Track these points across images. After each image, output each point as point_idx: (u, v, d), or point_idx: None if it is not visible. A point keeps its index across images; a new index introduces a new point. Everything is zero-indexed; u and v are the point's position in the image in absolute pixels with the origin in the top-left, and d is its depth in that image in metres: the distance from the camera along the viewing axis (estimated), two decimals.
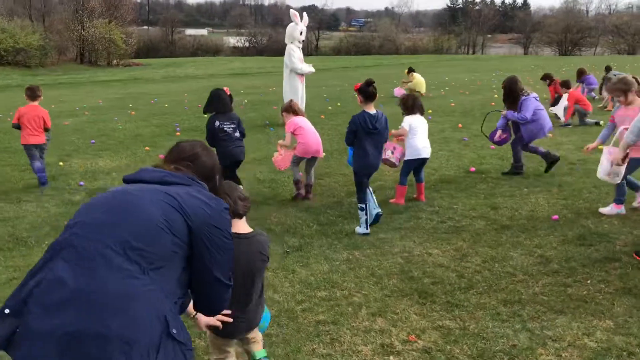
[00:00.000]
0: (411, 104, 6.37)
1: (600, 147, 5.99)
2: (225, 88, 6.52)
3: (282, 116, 6.85)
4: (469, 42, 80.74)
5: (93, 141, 10.51)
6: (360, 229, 5.52)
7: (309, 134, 6.52)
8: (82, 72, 37.68)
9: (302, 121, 6.58)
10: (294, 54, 11.90)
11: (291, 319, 3.87)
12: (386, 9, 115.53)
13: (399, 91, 17.82)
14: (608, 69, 15.54)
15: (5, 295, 4.38)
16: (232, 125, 6.18)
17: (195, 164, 2.22)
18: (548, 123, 7.27)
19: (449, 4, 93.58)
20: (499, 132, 7.36)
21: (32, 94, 7.34)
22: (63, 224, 5.61)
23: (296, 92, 11.99)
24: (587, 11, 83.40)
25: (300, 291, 4.30)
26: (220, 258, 2.00)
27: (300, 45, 11.88)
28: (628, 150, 5.11)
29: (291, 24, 11.84)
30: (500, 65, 37.97)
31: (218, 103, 6.21)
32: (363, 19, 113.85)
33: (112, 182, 7.54)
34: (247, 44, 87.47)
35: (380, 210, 5.71)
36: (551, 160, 7.31)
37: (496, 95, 16.37)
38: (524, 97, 7.16)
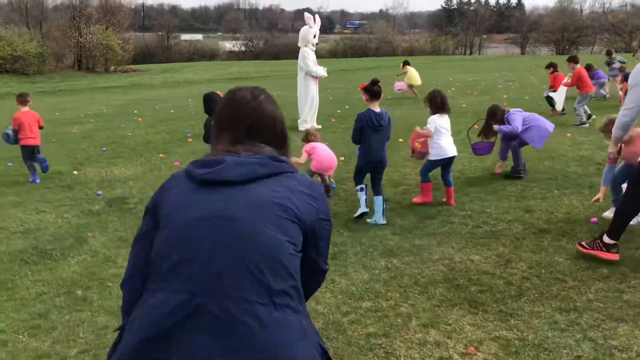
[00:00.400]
0: (440, 103, 6.22)
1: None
2: (218, 92, 6.88)
3: (302, 145, 7.01)
4: (465, 42, 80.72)
5: (104, 149, 10.35)
6: (361, 209, 5.95)
7: (322, 152, 6.78)
8: (80, 79, 37.46)
9: (318, 145, 6.84)
10: (308, 56, 11.79)
11: (339, 332, 3.72)
12: (380, 11, 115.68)
13: (400, 85, 17.83)
14: (609, 52, 15.39)
15: (37, 311, 4.25)
16: None
17: (273, 131, 1.82)
18: (544, 122, 7.11)
19: (444, 5, 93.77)
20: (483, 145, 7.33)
21: (24, 100, 8.05)
22: (86, 235, 5.46)
23: (310, 94, 11.87)
24: (582, 10, 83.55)
25: (343, 302, 4.15)
26: (325, 248, 1.80)
27: (314, 48, 11.74)
28: (618, 148, 5.06)
29: (305, 27, 11.71)
30: (499, 65, 37.89)
31: (212, 104, 6.42)
32: (358, 21, 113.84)
33: (130, 191, 7.38)
34: (243, 48, 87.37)
35: (367, 210, 5.97)
36: (516, 175, 7.22)
37: (505, 96, 16.26)
38: (507, 114, 7.08)
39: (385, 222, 5.80)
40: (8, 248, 5.50)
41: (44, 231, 5.97)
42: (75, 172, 8.55)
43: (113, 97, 22.99)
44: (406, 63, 18.13)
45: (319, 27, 11.76)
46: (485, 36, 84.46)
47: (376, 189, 5.97)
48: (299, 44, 11.93)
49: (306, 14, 11.58)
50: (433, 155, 6.22)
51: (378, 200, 5.88)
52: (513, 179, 7.20)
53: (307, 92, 11.87)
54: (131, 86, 29.68)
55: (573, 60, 11.70)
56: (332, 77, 31.46)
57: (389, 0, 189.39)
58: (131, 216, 6.38)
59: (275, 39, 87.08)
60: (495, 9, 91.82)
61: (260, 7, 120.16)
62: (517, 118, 7.03)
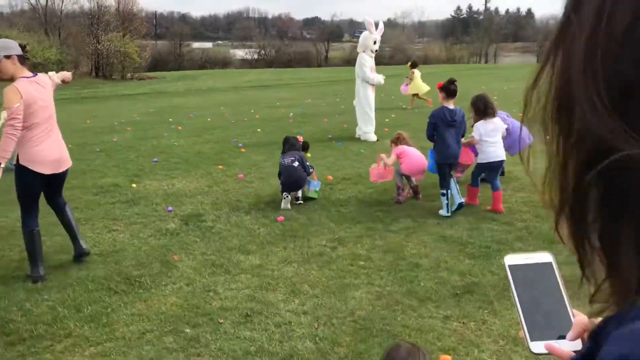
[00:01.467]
0: (483, 108, 6.27)
1: None
2: (298, 136, 7.46)
3: (391, 146, 7.14)
4: (480, 51, 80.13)
5: (155, 159, 9.76)
6: (443, 212, 6.12)
7: (413, 156, 6.75)
8: (100, 86, 37.05)
9: (408, 148, 6.83)
10: (366, 63, 11.25)
11: None
12: (389, 19, 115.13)
13: (405, 88, 17.10)
14: None
15: (147, 356, 3.63)
16: (291, 158, 6.76)
17: None
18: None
19: (453, 14, 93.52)
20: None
21: None
22: (171, 259, 4.84)
23: (368, 102, 11.30)
24: None
25: (513, 350, 3.51)
26: None
27: (373, 55, 11.16)
28: None
29: (365, 32, 11.14)
30: (525, 73, 37.22)
31: (284, 144, 7.20)
32: (366, 30, 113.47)
33: (203, 207, 6.77)
34: (256, 56, 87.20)
35: (463, 200, 6.21)
36: None
37: None
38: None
39: (462, 200, 6.19)
40: (89, 273, 4.89)
41: (122, 254, 5.37)
42: (134, 185, 7.96)
43: (140, 104, 22.47)
44: (414, 65, 17.37)
45: (380, 34, 11.16)
46: (500, 45, 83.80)
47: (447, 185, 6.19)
48: (358, 50, 11.41)
49: (367, 19, 10.99)
50: (480, 159, 6.35)
51: (452, 183, 6.18)
52: None
53: (365, 99, 11.30)
54: (155, 93, 29.17)
55: None
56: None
57: (398, 9, 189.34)
58: (213, 236, 5.78)
59: (287, 47, 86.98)
60: (513, 17, 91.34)
61: (270, 16, 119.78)
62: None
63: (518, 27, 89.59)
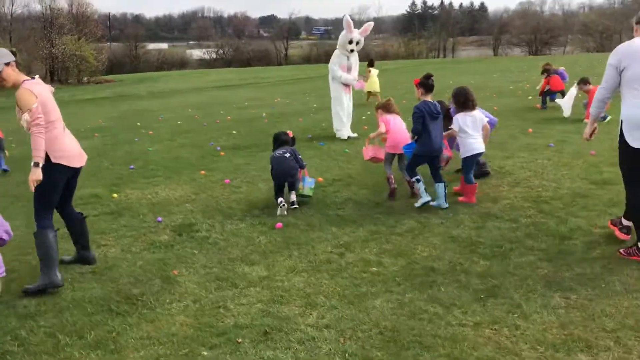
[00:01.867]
0: (463, 100, 6.36)
1: None
2: (288, 132, 7.24)
3: (377, 112, 7.23)
4: (439, 46, 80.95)
5: (132, 167, 9.36)
6: (421, 200, 6.20)
7: (399, 129, 6.83)
8: (57, 91, 35.83)
9: (394, 117, 6.92)
10: (334, 59, 11.02)
11: None
12: (345, 16, 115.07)
13: (360, 84, 17.05)
14: None
15: None
16: (282, 150, 6.69)
17: None
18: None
19: (408, 10, 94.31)
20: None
21: None
22: (171, 274, 4.55)
23: (340, 103, 11.05)
24: (542, 12, 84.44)
25: (554, 357, 3.35)
26: None
27: (347, 53, 10.90)
28: (595, 125, 5.11)
29: (343, 32, 10.92)
30: (487, 67, 37.71)
31: (274, 142, 7.03)
32: (323, 27, 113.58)
33: (195, 216, 6.46)
34: (214, 56, 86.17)
35: (447, 205, 6.22)
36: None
37: (530, 97, 15.72)
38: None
39: (447, 205, 6.20)
40: (85, 294, 4.56)
41: (117, 270, 5.04)
42: (115, 195, 7.59)
43: (103, 109, 21.82)
44: (371, 64, 17.46)
45: (365, 34, 10.87)
46: (454, 39, 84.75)
47: (438, 177, 6.26)
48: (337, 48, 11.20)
49: (346, 19, 10.75)
50: (464, 152, 6.35)
51: (441, 187, 6.21)
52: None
53: (336, 100, 11.11)
54: (116, 97, 28.43)
55: (585, 81, 11.47)
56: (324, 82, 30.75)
57: (354, 6, 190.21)
58: (211, 247, 5.49)
59: (245, 45, 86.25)
60: (466, 12, 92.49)
61: (226, 15, 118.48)
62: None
63: (474, 20, 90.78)
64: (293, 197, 6.56)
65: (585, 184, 6.85)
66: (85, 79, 46.80)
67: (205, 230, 5.96)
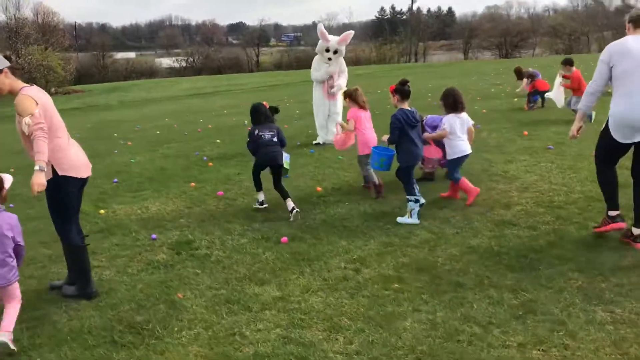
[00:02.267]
0: (452, 102, 6.29)
1: None
2: (264, 102, 7.08)
3: (345, 101, 7.31)
4: (410, 50, 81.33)
5: (115, 180, 8.89)
6: (408, 219, 5.83)
7: (369, 128, 6.96)
8: None
9: (364, 114, 6.95)
10: (314, 64, 10.97)
11: None
12: (313, 23, 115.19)
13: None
14: None
15: None
16: (271, 133, 6.56)
17: None
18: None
19: (377, 15, 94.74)
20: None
21: None
22: (175, 298, 4.17)
23: (319, 107, 10.86)
24: (509, 15, 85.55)
25: None
26: None
27: (326, 60, 10.62)
28: (582, 123, 5.19)
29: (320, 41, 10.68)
30: (461, 70, 37.86)
31: (257, 115, 6.70)
32: (292, 34, 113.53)
33: (192, 232, 6.05)
34: (184, 64, 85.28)
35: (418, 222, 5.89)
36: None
37: (516, 99, 15.63)
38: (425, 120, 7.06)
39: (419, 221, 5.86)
40: (83, 324, 4.13)
41: (115, 295, 4.62)
42: (102, 212, 7.14)
43: (75, 120, 21.11)
44: None
45: (343, 43, 10.57)
46: (425, 43, 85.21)
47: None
48: None
49: (319, 28, 10.55)
50: (452, 154, 6.33)
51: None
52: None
53: (316, 105, 11.05)
54: (87, 108, 27.70)
55: (569, 62, 11.58)
56: (302, 88, 30.36)
57: (323, 14, 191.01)
58: (215, 266, 5.10)
59: (215, 53, 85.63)
60: (432, 17, 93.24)
61: (194, 23, 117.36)
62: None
63: (444, 25, 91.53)
64: (291, 204, 6.32)
65: (596, 187, 6.58)
66: (53, 89, 45.64)
67: (206, 248, 5.57)
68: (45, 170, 4.02)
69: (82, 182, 4.54)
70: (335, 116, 10.68)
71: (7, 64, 4.18)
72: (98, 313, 4.31)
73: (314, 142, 11.05)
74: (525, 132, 10.19)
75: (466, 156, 6.40)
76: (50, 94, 41.81)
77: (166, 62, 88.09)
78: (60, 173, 4.27)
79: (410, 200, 5.87)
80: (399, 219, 5.89)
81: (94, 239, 6.11)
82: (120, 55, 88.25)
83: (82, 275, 4.58)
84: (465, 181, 6.35)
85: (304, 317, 4.02)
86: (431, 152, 6.80)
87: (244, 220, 6.41)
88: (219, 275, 4.86)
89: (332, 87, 10.65)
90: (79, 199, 4.63)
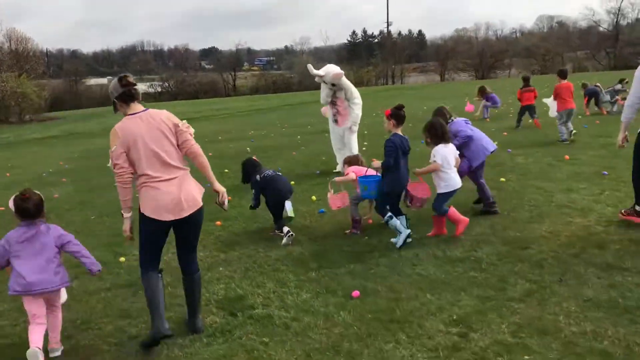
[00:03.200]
0: (440, 133, 5.94)
1: None
2: (254, 157, 7.15)
3: (344, 167, 7.22)
4: (387, 73, 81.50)
5: None
6: (402, 235, 5.71)
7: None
8: (1, 131, 33.50)
9: (361, 170, 6.72)
10: (322, 92, 10.45)
11: None
12: (286, 47, 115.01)
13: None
14: (622, 81, 16.04)
15: None
16: (272, 170, 6.63)
17: None
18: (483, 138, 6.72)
19: (349, 39, 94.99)
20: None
21: None
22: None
23: (332, 131, 10.29)
24: (477, 37, 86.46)
25: None
26: None
27: (325, 87, 10.10)
28: (626, 133, 5.80)
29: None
30: (445, 92, 37.57)
31: (253, 168, 6.73)
32: (265, 58, 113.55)
33: (239, 285, 5.13)
34: (159, 89, 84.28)
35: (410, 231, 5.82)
36: (486, 209, 6.70)
37: (530, 121, 15.06)
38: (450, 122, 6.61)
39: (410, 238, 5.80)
40: None
41: None
42: (123, 259, 6.20)
43: (59, 149, 19.99)
44: None
45: (334, 79, 9.82)
46: (402, 66, 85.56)
47: (398, 211, 5.98)
48: None
49: (308, 68, 10.14)
50: (443, 187, 5.94)
51: (402, 219, 5.88)
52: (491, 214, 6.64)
53: (330, 125, 10.36)
54: (67, 135, 26.50)
55: (560, 74, 11.81)
56: (279, 114, 29.59)
57: (296, 37, 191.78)
58: (285, 332, 4.18)
59: (192, 78, 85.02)
60: (405, 40, 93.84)
61: (166, 48, 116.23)
62: (462, 124, 6.64)
63: (420, 47, 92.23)
64: (286, 228, 6.30)
65: None
66: (29, 117, 44.26)
67: (263, 306, 4.67)
68: (126, 217, 4.06)
69: (168, 224, 4.06)
70: (349, 146, 9.98)
71: (118, 92, 4.05)
72: None
73: (335, 170, 10.25)
74: (567, 157, 9.51)
75: (459, 189, 6.03)
76: (25, 122, 40.44)
77: (142, 87, 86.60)
78: (140, 210, 4.05)
79: (389, 220, 5.79)
80: (395, 242, 5.81)
81: (120, 295, 5.18)
82: (93, 81, 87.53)
83: (151, 311, 4.09)
84: (454, 211, 5.97)
85: None
86: (418, 191, 6.09)
87: (295, 267, 5.52)
88: (295, 346, 3.95)
89: (335, 114, 10.11)
90: (182, 239, 4.31)
